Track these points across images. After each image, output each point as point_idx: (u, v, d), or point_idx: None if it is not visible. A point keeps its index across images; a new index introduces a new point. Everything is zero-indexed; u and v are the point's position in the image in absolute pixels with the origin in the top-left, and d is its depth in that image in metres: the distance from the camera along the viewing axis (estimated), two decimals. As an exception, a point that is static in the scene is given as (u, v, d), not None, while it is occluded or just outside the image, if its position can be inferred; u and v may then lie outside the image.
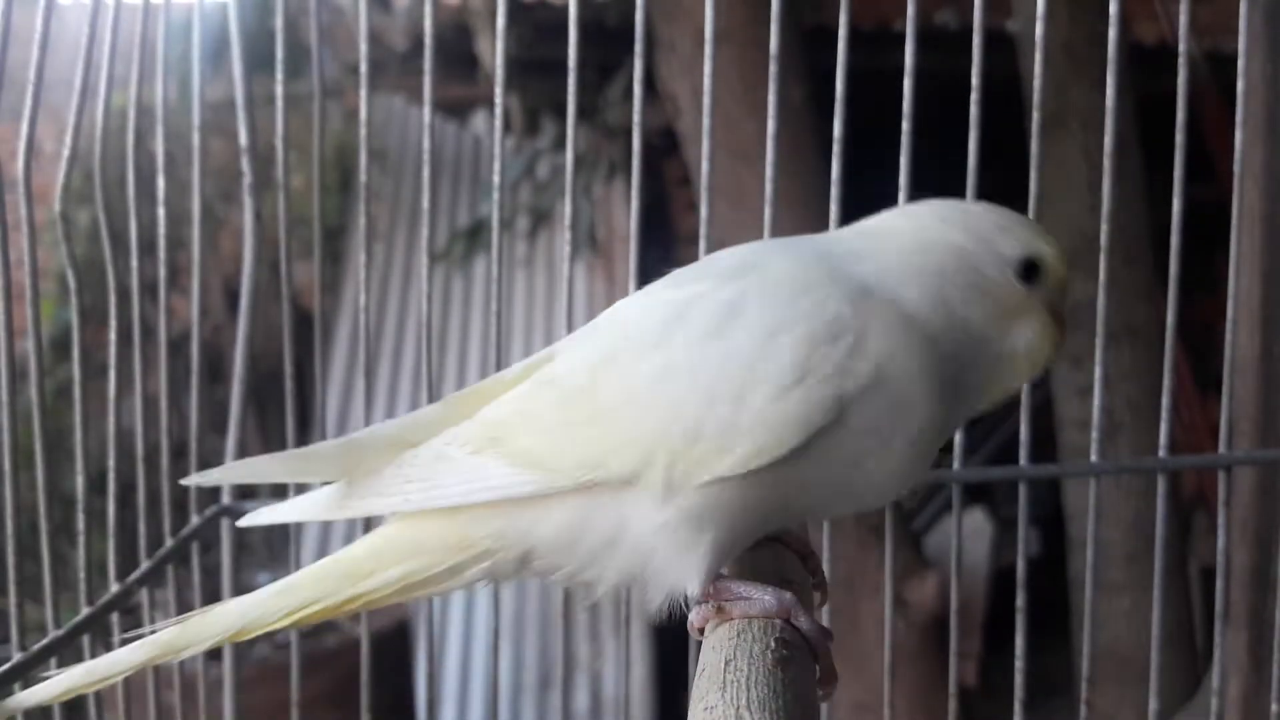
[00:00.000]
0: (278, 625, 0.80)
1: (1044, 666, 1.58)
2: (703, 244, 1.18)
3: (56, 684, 0.83)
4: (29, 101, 0.99)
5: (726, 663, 0.65)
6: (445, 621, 3.74)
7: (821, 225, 1.16)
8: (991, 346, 0.75)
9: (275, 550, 3.21)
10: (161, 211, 1.20)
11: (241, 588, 1.06)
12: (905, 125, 1.16)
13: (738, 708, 0.60)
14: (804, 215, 1.83)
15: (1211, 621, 1.27)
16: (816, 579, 0.84)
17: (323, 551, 3.45)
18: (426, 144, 1.18)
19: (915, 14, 1.16)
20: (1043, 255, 0.75)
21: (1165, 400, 1.22)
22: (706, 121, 1.17)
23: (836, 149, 1.16)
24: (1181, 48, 1.20)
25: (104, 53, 1.09)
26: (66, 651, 1.03)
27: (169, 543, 1.19)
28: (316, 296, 1.27)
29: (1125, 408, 2.07)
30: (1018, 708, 1.22)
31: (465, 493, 0.75)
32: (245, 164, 1.23)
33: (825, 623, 0.77)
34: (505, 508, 0.74)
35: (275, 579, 0.81)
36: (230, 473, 0.99)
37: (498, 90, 1.19)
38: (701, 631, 0.72)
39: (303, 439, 1.17)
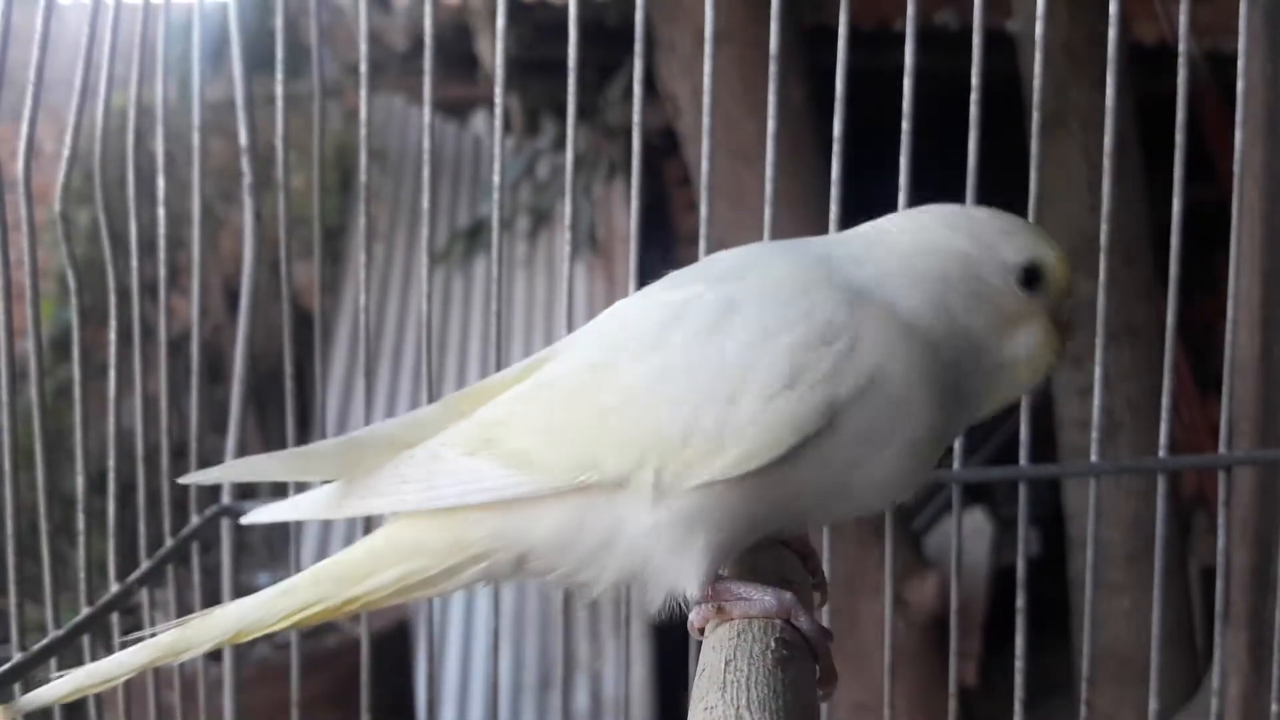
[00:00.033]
0: (277, 627, 0.80)
1: (1044, 666, 1.58)
2: (703, 244, 1.18)
3: (60, 686, 0.83)
4: (29, 101, 0.99)
5: (727, 663, 0.65)
6: (445, 621, 3.74)
7: (821, 225, 1.16)
8: (992, 354, 0.74)
9: (275, 550, 3.21)
10: (161, 211, 1.20)
11: (241, 588, 1.06)
12: (905, 125, 1.16)
13: (738, 708, 0.60)
14: (804, 215, 1.83)
15: (1211, 621, 1.27)
16: (816, 579, 0.84)
17: (323, 552, 3.45)
18: (426, 144, 1.18)
19: (915, 14, 1.16)
20: (1045, 261, 0.75)
21: (1165, 400, 1.22)
22: (706, 121, 1.17)
23: (836, 149, 1.16)
24: (1181, 48, 1.20)
25: (104, 53, 1.09)
26: (66, 651, 1.03)
27: (169, 543, 1.19)
28: (316, 296, 1.27)
29: (1125, 408, 2.07)
30: (1018, 708, 1.22)
31: (460, 494, 0.75)
32: (245, 164, 1.23)
33: (825, 623, 0.77)
34: (501, 509, 0.74)
35: (275, 579, 0.82)
36: (229, 471, 0.99)
37: (498, 90, 1.19)
38: (701, 631, 0.72)
39: (303, 439, 1.17)
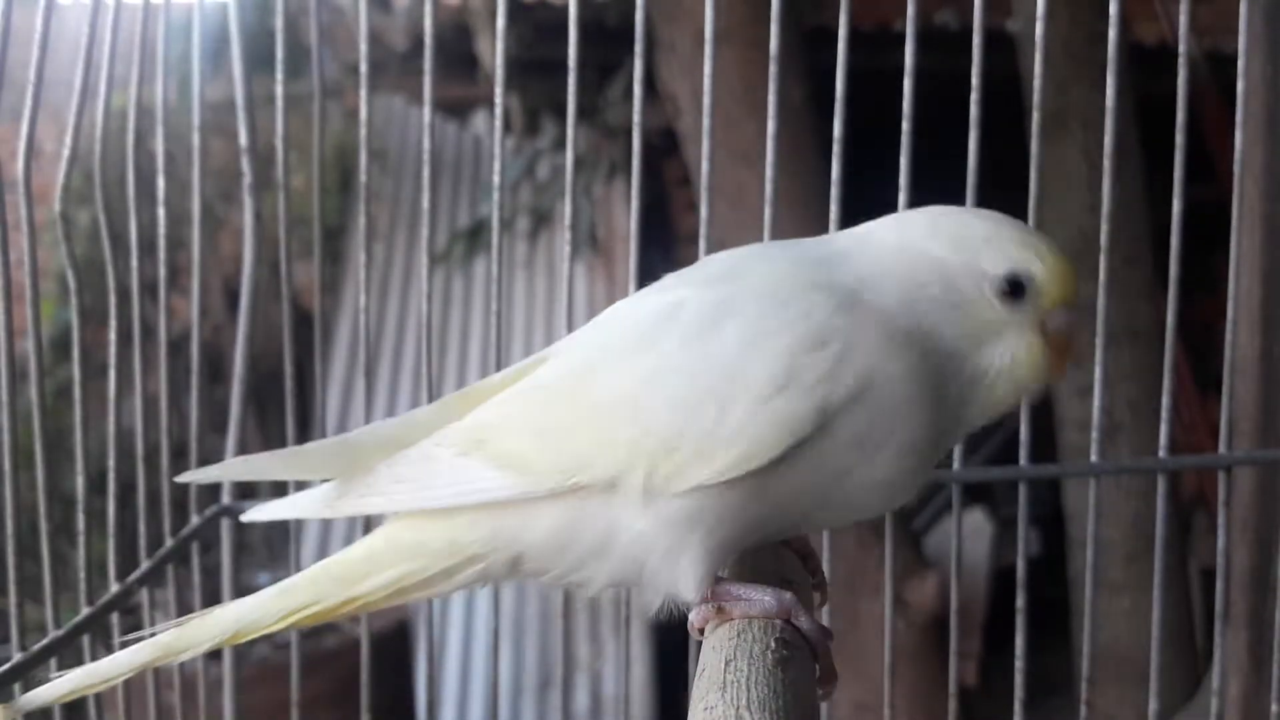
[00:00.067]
0: (276, 627, 0.80)
1: (1044, 666, 1.58)
2: (703, 244, 1.18)
3: (60, 685, 0.83)
4: (29, 101, 0.99)
5: (727, 663, 0.65)
6: (445, 622, 3.74)
7: (821, 225, 1.16)
8: (964, 364, 0.72)
9: (275, 550, 3.21)
10: (161, 211, 1.20)
11: (241, 588, 1.06)
12: (905, 125, 1.16)
13: (738, 708, 0.60)
14: (804, 215, 1.83)
15: (1211, 621, 1.27)
16: (816, 579, 0.84)
17: (323, 552, 3.45)
18: (426, 144, 1.18)
19: (915, 14, 1.16)
20: (1030, 272, 0.71)
21: (1165, 400, 1.22)
22: (706, 121, 1.17)
23: (836, 149, 1.16)
24: (1181, 48, 1.20)
25: (104, 53, 1.09)
26: (66, 651, 1.03)
27: (169, 543, 1.19)
28: (316, 296, 1.27)
29: (1125, 408, 2.07)
30: (1018, 708, 1.22)
31: (453, 495, 0.75)
32: (245, 164, 1.24)
33: (825, 623, 0.76)
34: (496, 511, 0.74)
35: (275, 579, 0.82)
36: (229, 470, 0.99)
37: (498, 90, 1.19)
38: (701, 632, 0.72)
39: (303, 439, 1.16)
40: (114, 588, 1.11)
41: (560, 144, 2.00)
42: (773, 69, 1.16)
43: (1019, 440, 1.23)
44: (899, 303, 0.71)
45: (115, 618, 1.11)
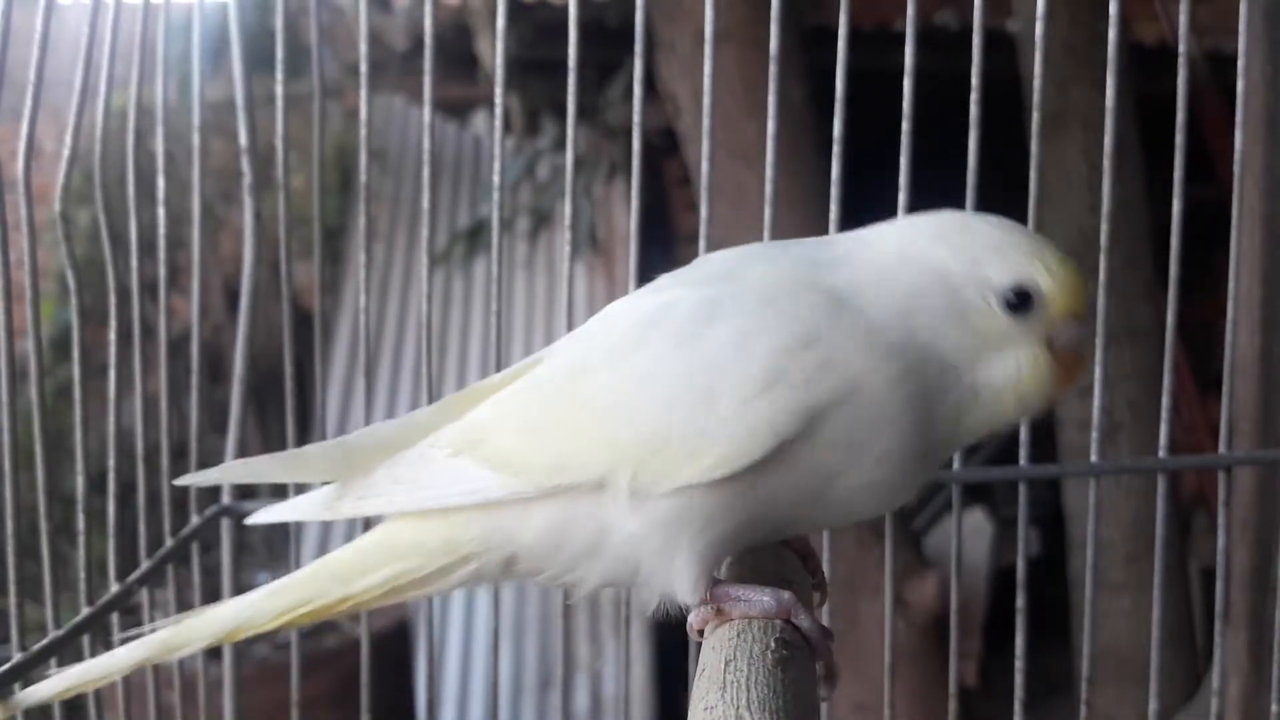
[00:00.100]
0: (271, 625, 0.80)
1: (1044, 666, 1.59)
2: (703, 244, 1.18)
3: (55, 683, 0.84)
4: (29, 101, 0.99)
5: (726, 663, 0.65)
6: (445, 621, 3.74)
7: (821, 225, 1.16)
8: (963, 376, 0.70)
9: (275, 550, 3.21)
10: (161, 211, 1.20)
11: (241, 588, 1.06)
12: (905, 125, 1.16)
13: (738, 708, 0.60)
14: (804, 215, 1.83)
15: (1211, 621, 1.27)
16: (816, 579, 0.84)
17: (323, 552, 3.42)
18: (426, 144, 1.18)
19: (915, 14, 1.16)
20: (1038, 283, 0.69)
21: (1165, 400, 1.22)
22: (706, 121, 1.17)
23: (836, 149, 1.16)
24: (1181, 48, 1.20)
25: (104, 53, 1.09)
26: (66, 651, 1.03)
27: (169, 543, 1.19)
28: (316, 296, 1.27)
29: (1125, 408, 2.07)
30: (1018, 708, 1.22)
31: (445, 495, 0.75)
32: (245, 164, 1.23)
33: (825, 623, 0.76)
34: (488, 511, 0.74)
35: (275, 579, 0.82)
36: (228, 472, 0.99)
37: (498, 90, 1.19)
38: (701, 634, 0.72)
39: (303, 439, 1.17)
40: (114, 588, 1.11)
41: (560, 144, 2.00)
42: (773, 69, 1.16)
43: (1019, 440, 1.23)
44: (894, 311, 0.69)
45: (115, 618, 1.11)
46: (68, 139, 1.05)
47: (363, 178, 1.22)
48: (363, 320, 1.23)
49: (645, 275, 0.84)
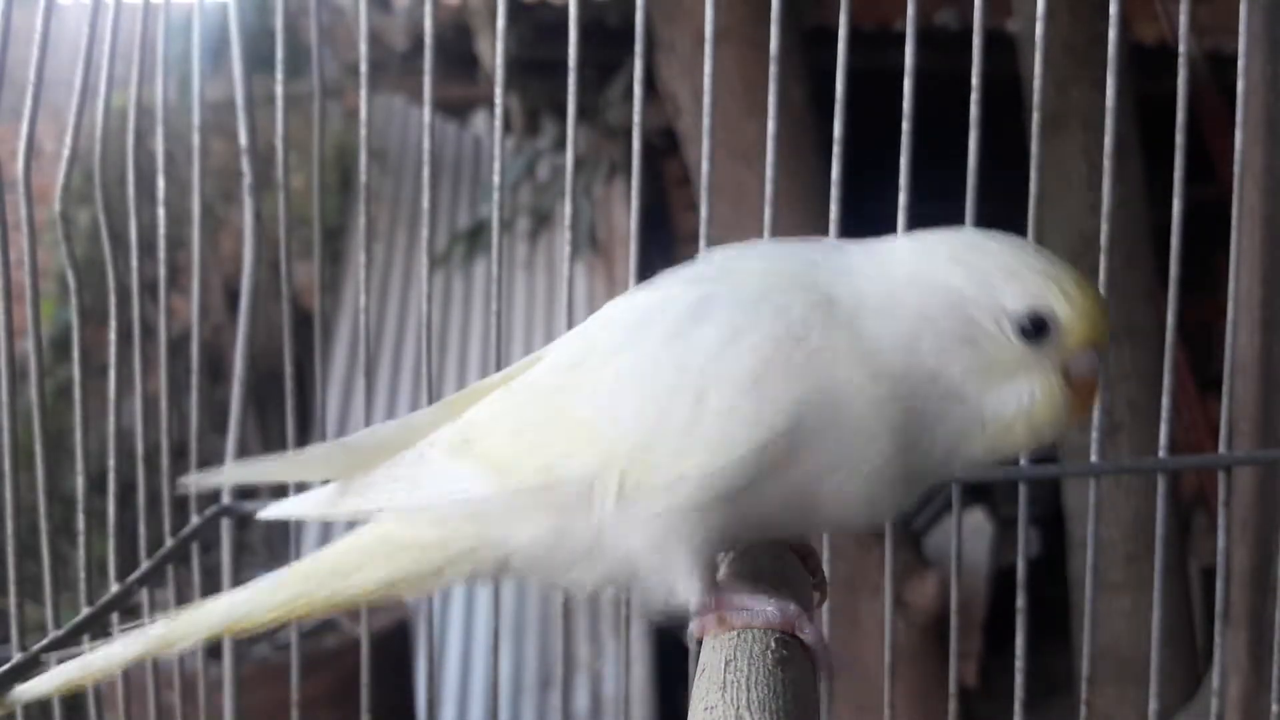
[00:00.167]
0: (265, 620, 0.80)
1: (1044, 666, 1.59)
2: (703, 244, 1.18)
3: (51, 678, 0.84)
4: (29, 101, 0.99)
5: (727, 663, 0.65)
6: (445, 621, 3.74)
7: (822, 225, 1.16)
8: (969, 403, 0.68)
9: (275, 550, 3.21)
10: (161, 211, 1.20)
11: (241, 588, 1.06)
12: (905, 125, 1.16)
13: (738, 708, 0.60)
14: (804, 215, 1.83)
15: (1211, 621, 1.27)
16: (817, 579, 0.84)
17: (323, 551, 3.44)
18: (426, 144, 1.18)
19: (915, 14, 1.16)
20: (1055, 311, 0.67)
21: (1165, 400, 1.22)
22: (706, 121, 1.17)
23: (836, 149, 1.16)
24: (1181, 48, 1.20)
25: (104, 53, 1.09)
26: (67, 651, 1.03)
27: (169, 543, 1.19)
28: (316, 296, 1.27)
29: (1125, 408, 2.07)
30: (1018, 708, 1.22)
31: (439, 496, 0.75)
32: (245, 164, 1.23)
33: (825, 622, 0.76)
34: (482, 513, 0.74)
35: (274, 578, 0.82)
36: (230, 474, 0.99)
37: (498, 90, 1.19)
38: (700, 641, 0.72)
39: (303, 439, 1.17)
40: (114, 588, 1.11)
41: (560, 144, 2.00)
42: (773, 69, 1.16)
43: (1019, 440, 1.22)
44: (898, 331, 0.67)
45: (115, 618, 1.11)
46: (68, 139, 1.05)
47: (363, 178, 1.22)
48: (363, 320, 1.23)
49: (645, 275, 0.84)
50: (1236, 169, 1.24)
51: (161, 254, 1.22)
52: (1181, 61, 1.19)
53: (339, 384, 4.10)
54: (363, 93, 1.19)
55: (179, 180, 1.25)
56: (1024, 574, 1.23)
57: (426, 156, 1.18)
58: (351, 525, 0.88)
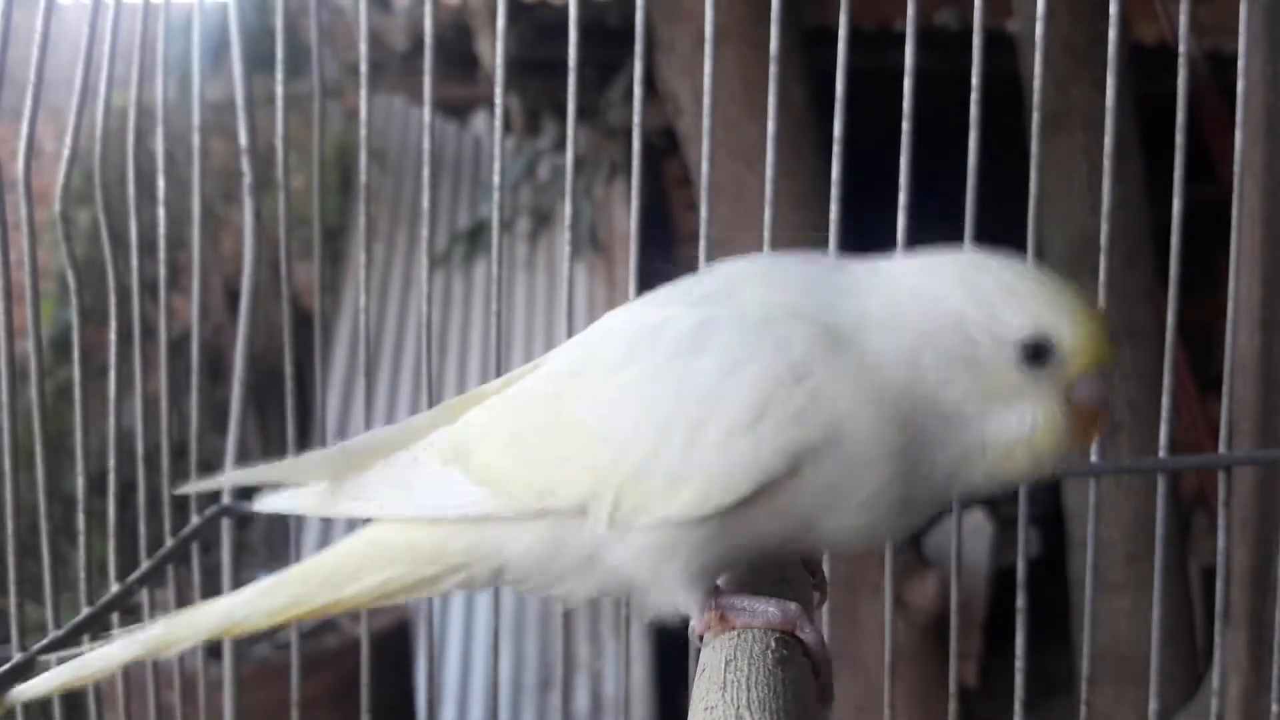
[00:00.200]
0: (263, 624, 0.80)
1: (1044, 666, 1.59)
2: (703, 244, 1.18)
3: (48, 680, 0.84)
4: (29, 101, 0.99)
5: (727, 663, 0.65)
6: (445, 621, 3.74)
7: (822, 225, 1.16)
8: (969, 427, 0.66)
9: (275, 550, 3.21)
10: (161, 211, 1.20)
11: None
12: (905, 125, 1.16)
13: (738, 708, 0.60)
14: (804, 215, 1.83)
15: (1211, 621, 1.27)
16: (816, 579, 0.84)
17: (323, 552, 3.43)
18: (426, 144, 1.18)
19: (915, 14, 1.16)
20: (1057, 335, 0.65)
21: (1165, 400, 1.22)
22: (706, 121, 1.17)
23: (836, 149, 1.16)
24: (1181, 48, 1.20)
25: (104, 53, 1.09)
26: (66, 652, 1.03)
27: (169, 543, 1.19)
28: (316, 296, 1.27)
29: (1125, 408, 2.07)
30: (1018, 708, 1.22)
31: (434, 506, 0.75)
32: (245, 164, 1.23)
33: (825, 623, 0.76)
34: (477, 524, 0.74)
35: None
36: (229, 479, 0.99)
37: (498, 90, 1.19)
38: (702, 639, 0.72)
39: (303, 439, 1.17)
40: (114, 588, 1.11)
41: (560, 144, 2.00)
42: (773, 69, 1.16)
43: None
44: (899, 353, 0.66)
45: (116, 618, 1.11)
46: (68, 139, 1.05)
47: (363, 178, 1.22)
48: (363, 320, 1.23)
49: (645, 275, 0.85)
50: (1236, 169, 1.24)
51: (161, 254, 1.22)
52: (1181, 61, 1.19)
53: (339, 384, 4.10)
54: (363, 93, 1.19)
55: (179, 180, 1.25)
56: (1024, 574, 1.23)
57: (426, 156, 1.18)
58: (352, 525, 0.88)
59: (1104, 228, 1.20)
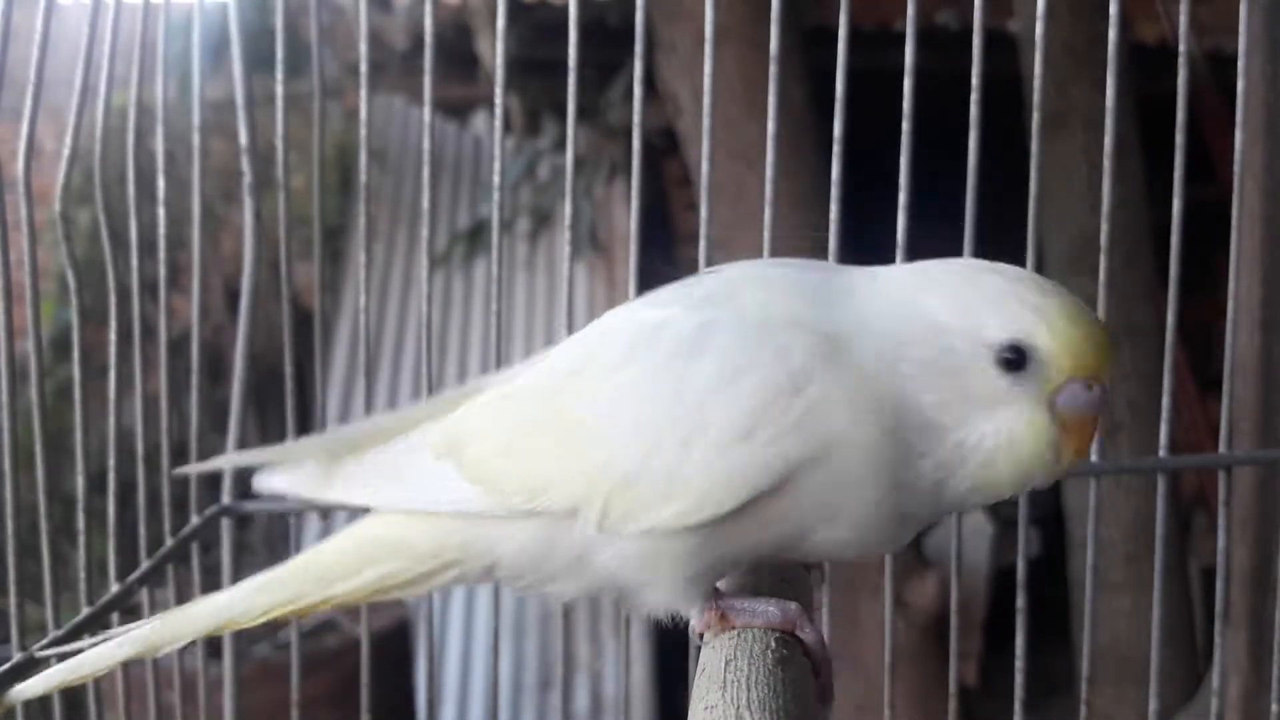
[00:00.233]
0: (257, 620, 0.80)
1: (1044, 666, 1.59)
2: (703, 244, 1.18)
3: (45, 679, 0.84)
4: (29, 101, 0.99)
5: (727, 662, 0.65)
6: (445, 621, 3.74)
7: (822, 225, 1.16)
8: (948, 435, 0.65)
9: (275, 550, 3.21)
10: (161, 211, 1.20)
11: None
12: (905, 125, 1.16)
13: (738, 707, 0.60)
14: (804, 215, 1.83)
15: (1211, 621, 1.27)
16: (814, 577, 0.84)
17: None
18: (426, 144, 1.18)
19: (915, 14, 1.16)
20: (1037, 341, 0.63)
21: (1165, 400, 1.22)
22: (706, 121, 1.17)
23: (836, 149, 1.16)
24: (1181, 48, 1.20)
25: (104, 53, 1.09)
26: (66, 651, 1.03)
27: (169, 543, 1.19)
28: (316, 296, 1.27)
29: (1125, 408, 2.07)
30: (1018, 708, 1.22)
31: (427, 500, 0.75)
32: (245, 164, 1.23)
33: (825, 623, 0.76)
34: (470, 520, 0.74)
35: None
36: (227, 460, 0.99)
37: (498, 90, 1.19)
38: (702, 637, 0.72)
39: (303, 439, 1.17)
40: (114, 588, 1.11)
41: (560, 144, 1.99)
42: (773, 69, 1.16)
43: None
44: (881, 360, 0.65)
45: (116, 618, 1.11)
46: (68, 139, 1.05)
47: (363, 178, 1.22)
48: (363, 320, 1.23)
49: (645, 275, 0.84)
50: (1236, 169, 1.24)
51: (161, 254, 1.22)
52: (1181, 61, 1.19)
53: (339, 384, 4.10)
54: (363, 93, 1.19)
55: (179, 180, 1.25)
56: (1024, 574, 1.23)
57: (426, 156, 1.18)
58: (353, 516, 0.88)
59: (1104, 228, 1.20)
